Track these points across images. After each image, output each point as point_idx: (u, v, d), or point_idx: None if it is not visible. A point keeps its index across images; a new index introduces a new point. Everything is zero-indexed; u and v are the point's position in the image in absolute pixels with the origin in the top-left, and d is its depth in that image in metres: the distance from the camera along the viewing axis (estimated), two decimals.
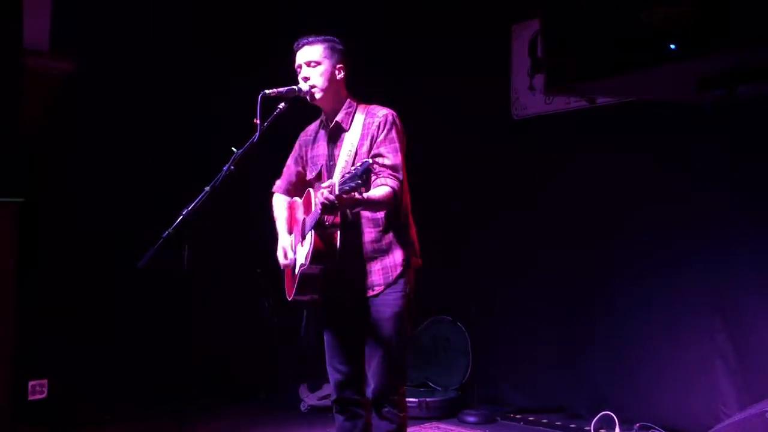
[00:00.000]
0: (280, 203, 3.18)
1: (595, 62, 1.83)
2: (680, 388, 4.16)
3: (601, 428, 4.25)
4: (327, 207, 2.57)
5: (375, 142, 2.83)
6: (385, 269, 2.86)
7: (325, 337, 3.01)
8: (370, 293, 2.86)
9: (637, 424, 4.15)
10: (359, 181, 2.47)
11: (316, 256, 2.79)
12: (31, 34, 4.07)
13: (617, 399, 4.35)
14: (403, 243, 2.90)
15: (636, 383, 4.34)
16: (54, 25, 4.30)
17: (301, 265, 2.86)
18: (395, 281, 2.85)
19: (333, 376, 2.98)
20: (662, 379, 4.24)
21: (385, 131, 2.83)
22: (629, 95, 2.76)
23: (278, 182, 3.21)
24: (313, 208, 2.75)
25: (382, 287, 2.84)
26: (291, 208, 3.13)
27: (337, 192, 2.52)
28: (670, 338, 4.22)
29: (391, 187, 2.75)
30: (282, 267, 3.01)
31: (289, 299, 2.99)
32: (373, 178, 2.71)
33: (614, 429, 4.19)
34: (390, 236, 2.88)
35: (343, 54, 2.94)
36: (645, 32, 1.67)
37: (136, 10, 4.77)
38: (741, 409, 3.75)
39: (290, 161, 3.17)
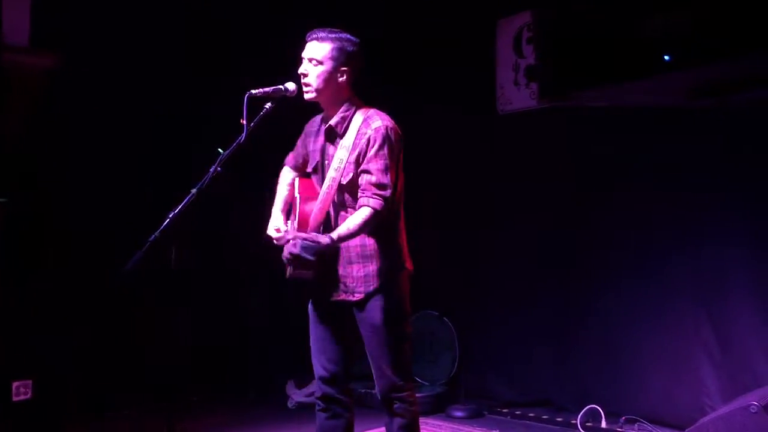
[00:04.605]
0: (284, 179, 3.17)
1: (590, 72, 1.83)
2: (666, 381, 4.21)
3: (588, 421, 4.30)
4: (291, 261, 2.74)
5: (364, 157, 2.82)
6: (370, 275, 2.86)
7: (311, 334, 3.01)
8: (353, 298, 2.87)
9: (623, 417, 4.21)
10: (311, 258, 2.66)
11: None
12: (10, 30, 3.99)
13: (603, 392, 4.40)
14: (391, 249, 2.90)
15: (622, 377, 4.38)
16: (34, 19, 4.22)
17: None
18: (381, 287, 2.85)
19: (318, 372, 2.99)
20: (648, 373, 4.28)
21: (376, 147, 2.81)
22: (622, 102, 2.78)
23: (290, 155, 3.20)
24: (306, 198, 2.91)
25: (362, 295, 2.85)
26: (292, 186, 3.11)
27: (297, 252, 2.67)
28: (656, 332, 4.26)
29: (372, 207, 2.76)
30: (275, 242, 2.97)
31: (288, 277, 2.95)
32: (359, 195, 2.80)
33: (600, 422, 4.24)
34: (377, 242, 2.88)
35: (352, 56, 2.87)
36: (641, 42, 1.67)
37: (118, 3, 4.70)
38: (725, 402, 3.81)
39: (299, 142, 3.16)
